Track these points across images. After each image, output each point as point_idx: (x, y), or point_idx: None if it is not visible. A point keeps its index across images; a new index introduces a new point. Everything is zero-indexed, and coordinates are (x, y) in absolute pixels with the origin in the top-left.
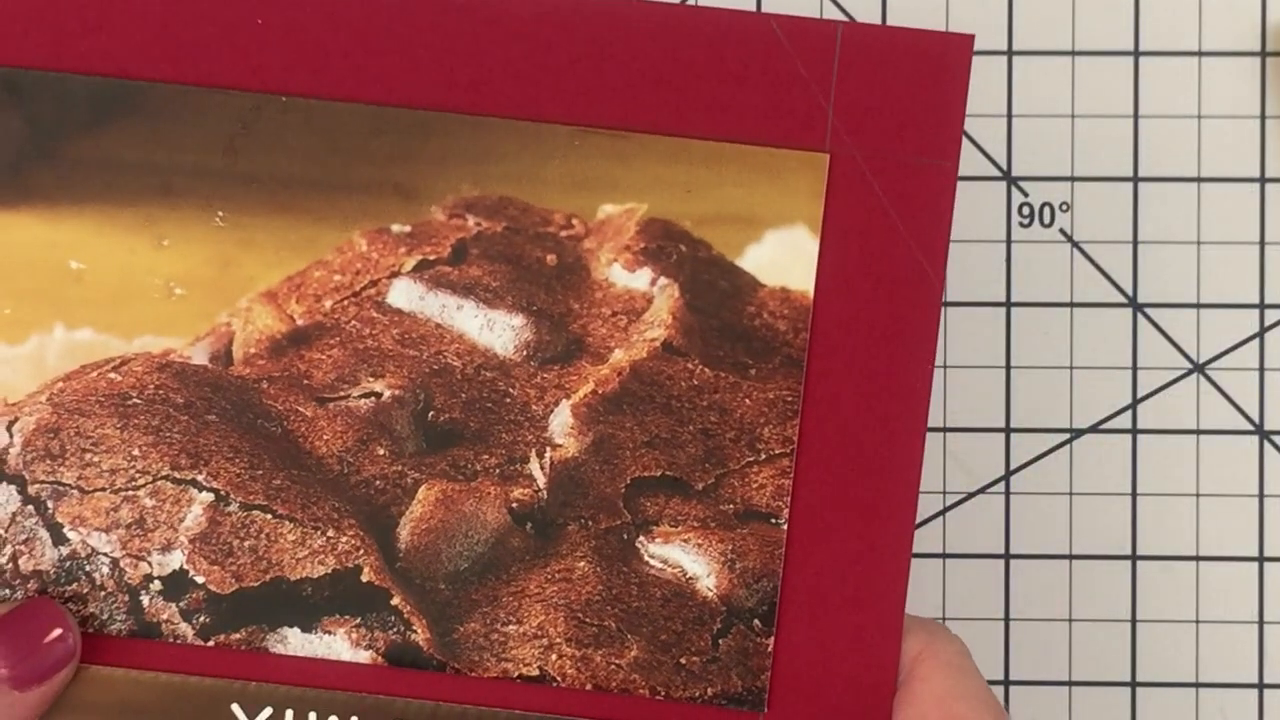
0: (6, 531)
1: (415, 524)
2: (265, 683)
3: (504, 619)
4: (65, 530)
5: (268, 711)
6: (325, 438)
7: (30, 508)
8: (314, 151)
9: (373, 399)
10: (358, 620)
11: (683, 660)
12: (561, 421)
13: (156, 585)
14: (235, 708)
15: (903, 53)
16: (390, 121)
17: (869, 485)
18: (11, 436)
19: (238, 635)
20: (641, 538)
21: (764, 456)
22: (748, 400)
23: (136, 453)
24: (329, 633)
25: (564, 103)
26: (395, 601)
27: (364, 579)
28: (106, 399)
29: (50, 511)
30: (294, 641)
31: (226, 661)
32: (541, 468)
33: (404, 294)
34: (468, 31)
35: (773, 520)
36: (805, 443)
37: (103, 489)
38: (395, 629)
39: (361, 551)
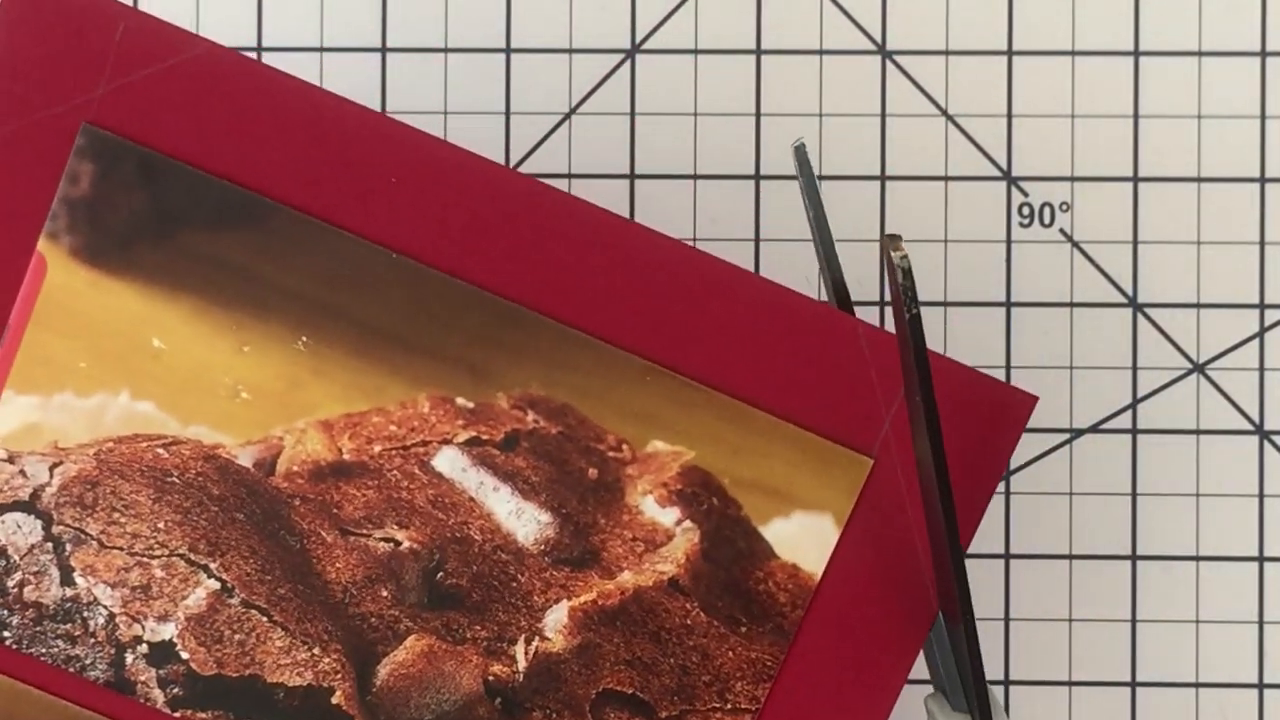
0: (22, 560)
1: (396, 667)
2: None
3: None
4: (75, 574)
5: None
6: (338, 565)
7: (49, 545)
8: (406, 310)
9: (391, 545)
10: None
11: None
12: (556, 619)
13: (143, 648)
14: None
15: (969, 392)
16: (484, 304)
17: None
18: (51, 477)
19: (203, 715)
20: None
21: (729, 707)
22: (730, 653)
23: (161, 525)
24: None
25: (648, 338)
26: None
27: (334, 700)
28: (149, 470)
29: (66, 554)
30: None
31: None
32: (526, 653)
33: (449, 462)
34: (579, 246)
35: None
36: (770, 707)
37: (120, 548)
38: None
39: (339, 676)
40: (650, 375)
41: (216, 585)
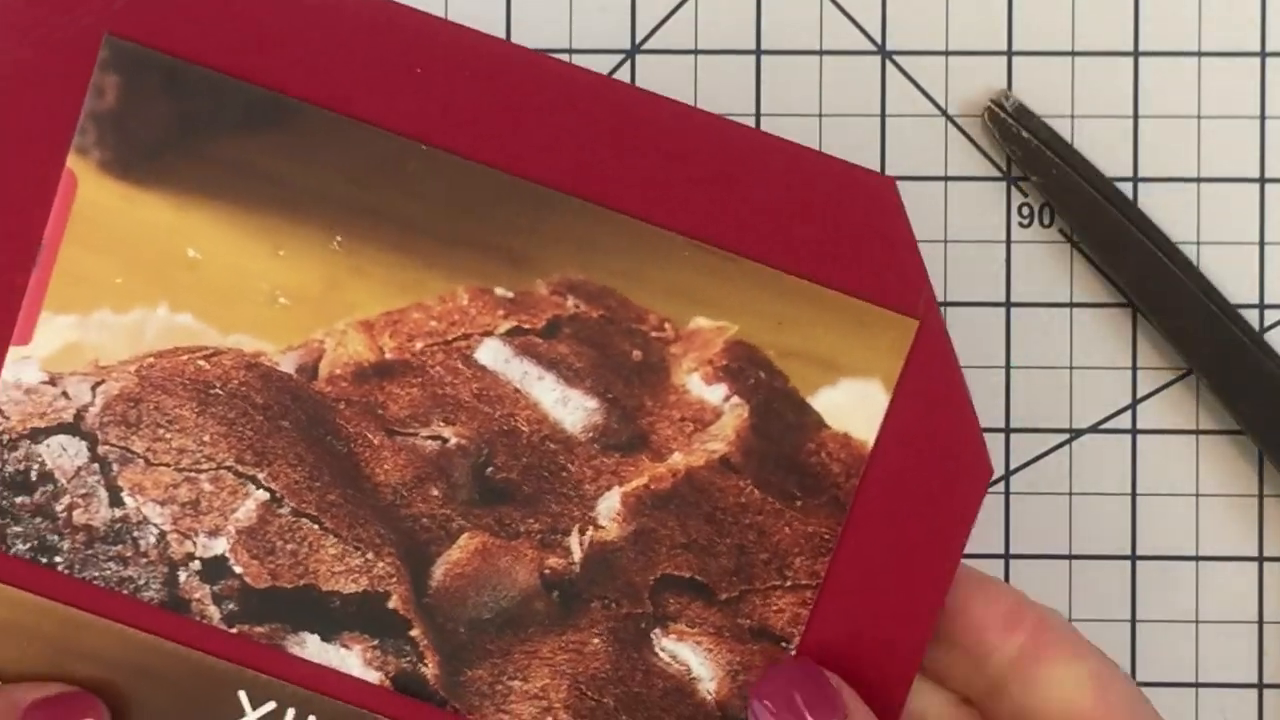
0: (69, 483)
1: (450, 566)
2: (275, 678)
3: (511, 673)
4: (124, 494)
5: (271, 705)
6: (386, 467)
7: (96, 466)
8: (440, 203)
9: (439, 443)
10: (375, 642)
11: None
12: (609, 506)
13: (196, 565)
14: (242, 694)
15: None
16: (518, 192)
17: (881, 629)
18: (94, 397)
19: (260, 629)
20: (657, 630)
21: (789, 584)
22: (787, 529)
23: (207, 439)
24: (346, 647)
25: (684, 214)
26: (414, 633)
27: (390, 605)
28: (191, 383)
29: (114, 474)
30: (311, 647)
31: (244, 650)
32: (580, 544)
33: (492, 353)
34: (609, 126)
35: (783, 644)
36: (831, 581)
37: (167, 465)
38: (408, 658)
39: (394, 579)
40: (689, 251)
41: (266, 495)
